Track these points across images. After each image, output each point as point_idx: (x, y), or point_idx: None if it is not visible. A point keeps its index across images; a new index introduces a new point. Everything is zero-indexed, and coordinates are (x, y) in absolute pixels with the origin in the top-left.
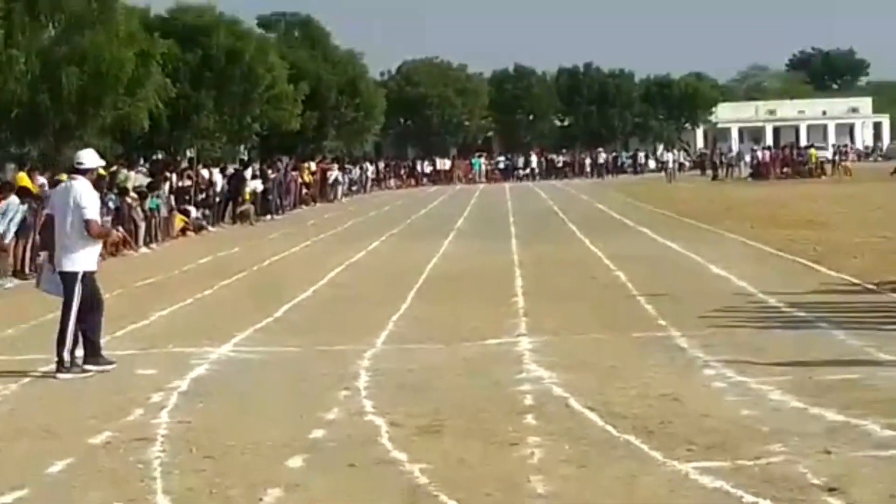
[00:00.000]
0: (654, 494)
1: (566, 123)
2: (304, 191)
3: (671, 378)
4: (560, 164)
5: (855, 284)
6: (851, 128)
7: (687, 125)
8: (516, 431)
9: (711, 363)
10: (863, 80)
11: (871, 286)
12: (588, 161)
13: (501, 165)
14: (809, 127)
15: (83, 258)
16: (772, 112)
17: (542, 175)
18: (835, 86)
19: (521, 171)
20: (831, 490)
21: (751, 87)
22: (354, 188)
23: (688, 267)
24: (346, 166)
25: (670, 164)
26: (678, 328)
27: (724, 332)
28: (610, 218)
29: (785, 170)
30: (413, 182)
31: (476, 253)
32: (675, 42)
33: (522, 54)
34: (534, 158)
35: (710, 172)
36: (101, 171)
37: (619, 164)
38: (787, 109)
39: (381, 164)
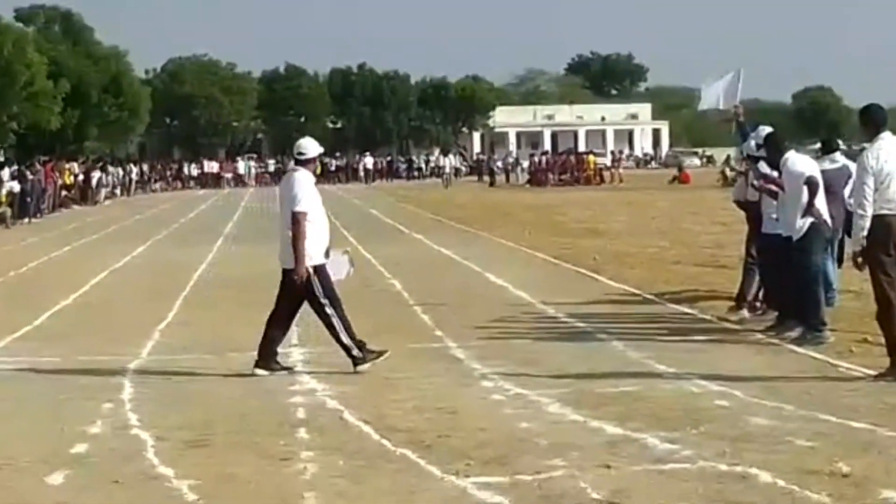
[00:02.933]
0: None
1: (339, 126)
2: (65, 193)
3: (448, 390)
4: (333, 168)
5: (634, 294)
6: (630, 134)
7: (464, 129)
8: (288, 445)
9: (489, 375)
10: (642, 86)
11: (649, 296)
12: (362, 164)
13: (272, 168)
14: (588, 132)
15: (311, 253)
16: (550, 117)
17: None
18: (613, 91)
19: None
20: None
21: (529, 91)
22: (117, 191)
23: (465, 275)
24: (109, 168)
25: (447, 170)
26: (455, 339)
27: (501, 343)
28: (384, 224)
29: (563, 176)
30: (180, 185)
31: (246, 258)
32: (451, 44)
33: (294, 54)
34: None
35: (486, 178)
36: None
37: (393, 168)
38: (566, 114)
39: (146, 166)
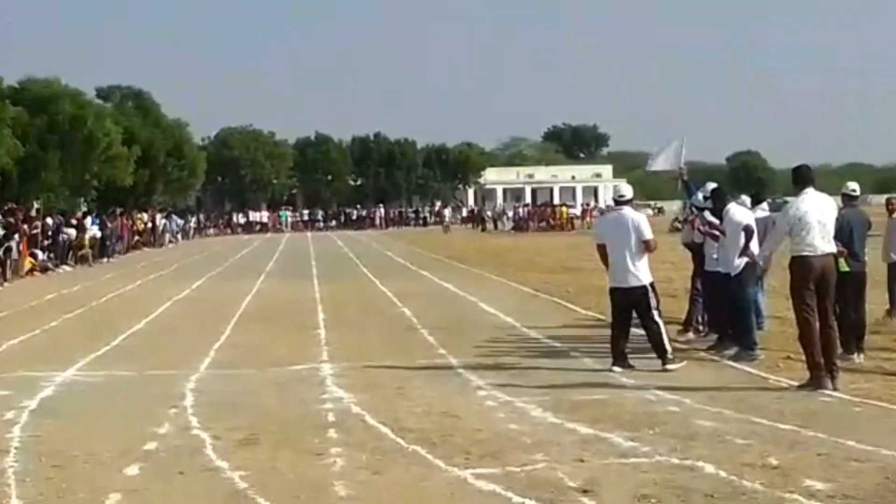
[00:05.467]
0: (438, 496)
1: (359, 183)
2: (136, 238)
3: (450, 398)
4: (354, 217)
5: (601, 320)
6: (596, 189)
7: (460, 185)
8: (321, 443)
9: (483, 386)
10: (604, 150)
11: None
12: (378, 214)
13: (306, 217)
14: (562, 188)
15: (647, 271)
16: (530, 176)
17: (339, 226)
18: (582, 155)
19: (321, 223)
20: (585, 492)
21: (513, 155)
22: (179, 236)
23: (462, 304)
24: (173, 216)
25: (446, 218)
26: (455, 356)
27: (493, 360)
28: (396, 262)
29: (541, 224)
30: (229, 231)
31: (284, 291)
32: (450, 115)
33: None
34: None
35: (479, 226)
36: None
37: (404, 217)
38: (543, 174)
39: (202, 216)
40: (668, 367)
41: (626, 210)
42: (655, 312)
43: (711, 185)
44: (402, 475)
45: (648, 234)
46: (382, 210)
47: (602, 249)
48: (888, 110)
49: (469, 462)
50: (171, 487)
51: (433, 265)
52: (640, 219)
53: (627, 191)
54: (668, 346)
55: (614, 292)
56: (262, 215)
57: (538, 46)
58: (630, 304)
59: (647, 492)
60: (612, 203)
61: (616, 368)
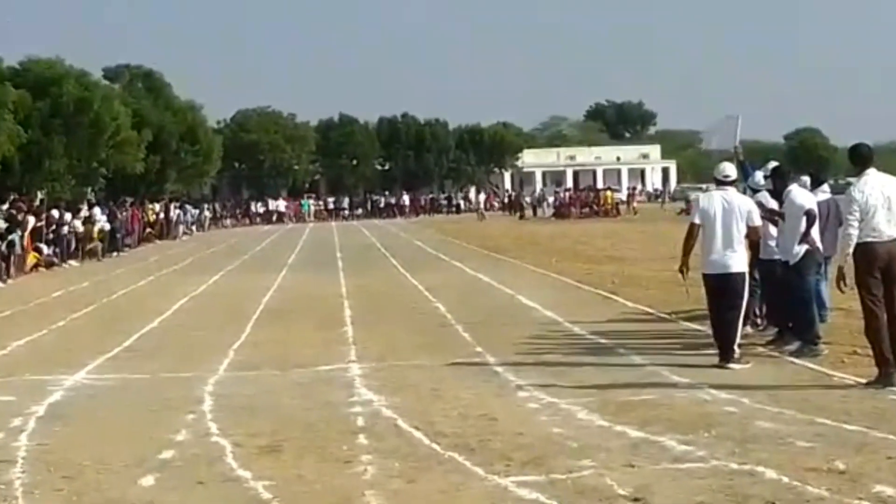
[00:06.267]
0: None
1: (387, 167)
2: (148, 230)
3: (488, 400)
4: (382, 205)
5: (649, 314)
6: (643, 172)
7: (496, 169)
8: (350, 450)
9: (524, 386)
10: (651, 129)
11: (664, 315)
12: (407, 201)
13: (330, 206)
14: (605, 171)
15: (745, 258)
16: (572, 158)
17: (366, 215)
18: (627, 134)
19: (346, 211)
20: (636, 500)
21: (552, 135)
22: (193, 227)
23: (499, 297)
24: (186, 206)
25: (481, 205)
26: (493, 354)
27: (534, 358)
28: (427, 253)
29: (584, 209)
30: (247, 221)
31: (307, 285)
32: (484, 94)
33: (346, 104)
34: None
35: (518, 212)
36: None
37: (435, 204)
38: (585, 155)
39: (218, 205)
40: (731, 365)
41: (733, 191)
42: (743, 304)
43: (773, 164)
44: (438, 484)
45: (758, 221)
46: (412, 197)
47: (694, 230)
48: None
49: (510, 469)
50: (190, 499)
51: (467, 255)
52: (750, 203)
53: (732, 170)
54: (737, 343)
55: (710, 278)
56: (283, 204)
57: (578, 18)
58: (726, 290)
59: (703, 499)
60: (710, 185)
61: (733, 366)
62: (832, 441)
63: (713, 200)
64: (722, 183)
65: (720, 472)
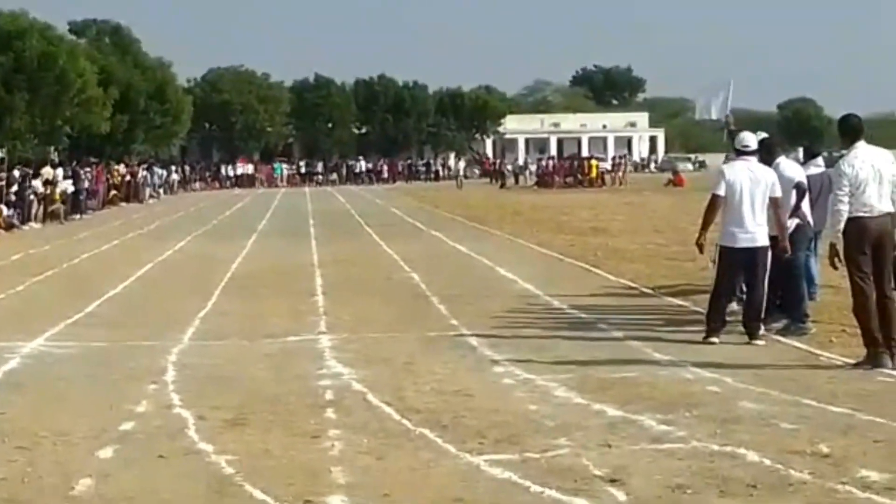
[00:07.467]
0: (448, 485)
1: (363, 131)
2: (113, 192)
3: (463, 375)
4: (358, 171)
5: (632, 288)
6: (629, 140)
7: (477, 135)
8: (318, 424)
9: (501, 361)
10: (640, 97)
11: (647, 290)
12: (385, 167)
13: (303, 170)
14: (591, 139)
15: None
16: (556, 125)
17: (341, 180)
18: (614, 101)
19: (320, 176)
20: (613, 481)
21: (536, 101)
22: (161, 190)
23: (477, 269)
24: (154, 168)
25: (460, 172)
26: (469, 327)
27: (512, 332)
28: (404, 221)
29: (568, 179)
30: (217, 185)
31: (278, 253)
32: (465, 56)
33: (322, 65)
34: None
35: (499, 181)
36: None
37: (413, 171)
38: (570, 122)
39: (187, 168)
40: (757, 341)
41: (755, 161)
42: (767, 277)
43: (762, 135)
44: (408, 461)
45: (780, 192)
46: (389, 162)
47: (718, 202)
48: None
49: (483, 447)
50: (150, 473)
51: (446, 225)
52: (773, 174)
53: (752, 140)
54: (763, 314)
55: (735, 252)
56: (254, 167)
57: None
58: (748, 265)
59: (682, 481)
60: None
61: (758, 342)
62: (817, 423)
63: (738, 171)
64: (742, 153)
65: (700, 454)
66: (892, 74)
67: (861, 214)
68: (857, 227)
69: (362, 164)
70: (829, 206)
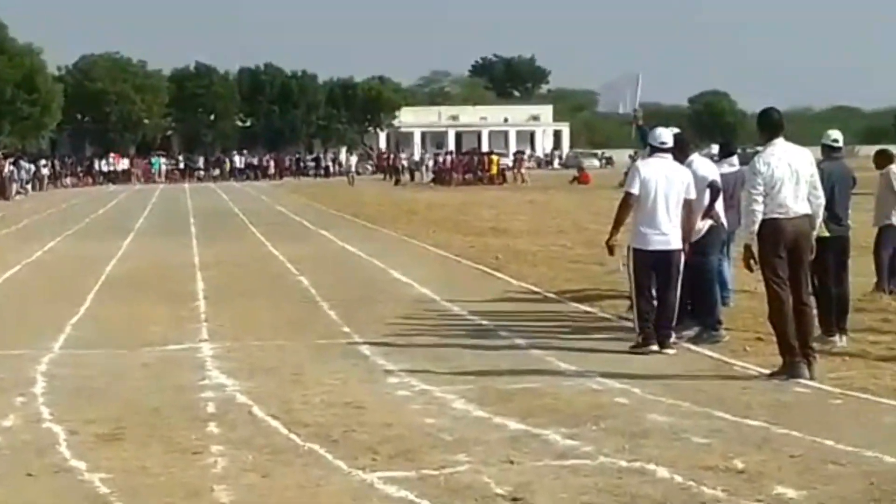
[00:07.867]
0: (339, 503)
1: (248, 124)
2: None
3: (355, 386)
4: (242, 166)
5: (535, 293)
6: (532, 135)
7: (370, 129)
8: (199, 439)
9: (395, 371)
10: (543, 89)
11: (550, 295)
12: (271, 162)
13: (181, 165)
14: (491, 133)
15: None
16: (454, 118)
17: (223, 176)
18: (516, 93)
19: (201, 172)
20: (515, 500)
21: (433, 93)
22: (29, 186)
23: (370, 272)
24: (21, 162)
25: (352, 168)
26: (361, 335)
27: (407, 340)
28: (291, 220)
29: (467, 175)
30: (90, 181)
31: (157, 253)
32: (358, 44)
33: (203, 52)
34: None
35: (393, 177)
36: None
37: (301, 166)
38: (470, 115)
39: (58, 162)
40: (668, 350)
41: (671, 160)
42: (680, 282)
43: (674, 131)
44: (296, 478)
45: (694, 194)
46: (275, 157)
47: (631, 201)
48: (881, 45)
49: (376, 463)
50: (17, 491)
51: (336, 224)
52: (688, 174)
53: (668, 136)
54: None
55: (647, 255)
56: (130, 162)
57: None
58: (660, 269)
59: (589, 499)
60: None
61: (668, 351)
62: (731, 437)
63: (654, 169)
64: (658, 150)
65: (608, 470)
66: (804, 66)
67: (776, 216)
68: (772, 229)
69: (245, 159)
70: (743, 206)
